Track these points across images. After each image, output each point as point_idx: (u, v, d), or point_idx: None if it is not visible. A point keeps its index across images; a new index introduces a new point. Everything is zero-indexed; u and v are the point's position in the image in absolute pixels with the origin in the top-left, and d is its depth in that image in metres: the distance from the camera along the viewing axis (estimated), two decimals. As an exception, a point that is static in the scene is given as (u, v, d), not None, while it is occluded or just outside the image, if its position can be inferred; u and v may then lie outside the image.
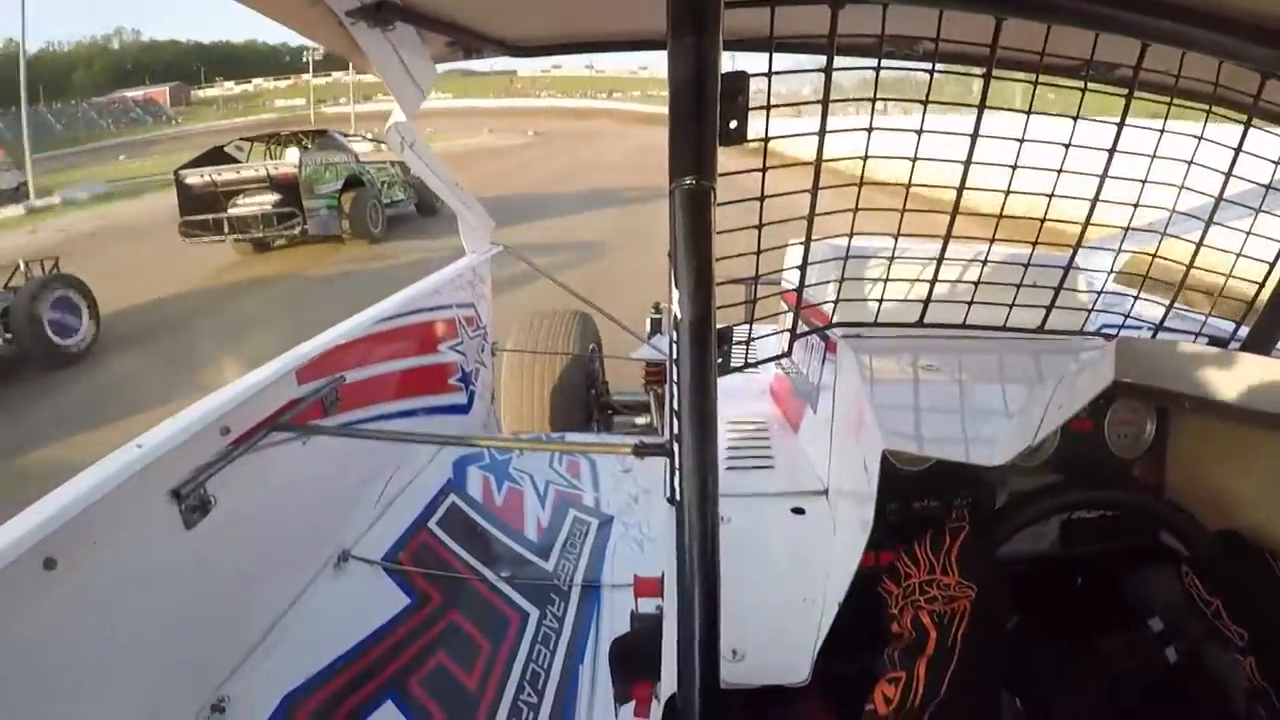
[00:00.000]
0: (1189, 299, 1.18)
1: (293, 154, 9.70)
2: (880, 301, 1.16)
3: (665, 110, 0.72)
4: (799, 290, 1.11)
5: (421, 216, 11.29)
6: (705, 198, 0.71)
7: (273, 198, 9.13)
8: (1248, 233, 1.11)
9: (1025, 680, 0.89)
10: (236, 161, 9.85)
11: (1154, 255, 1.15)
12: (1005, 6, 0.86)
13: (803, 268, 1.08)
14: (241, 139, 10.44)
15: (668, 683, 0.80)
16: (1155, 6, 0.87)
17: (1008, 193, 1.01)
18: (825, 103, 0.91)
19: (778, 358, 1.23)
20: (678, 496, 0.75)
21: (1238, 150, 1.03)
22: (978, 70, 0.94)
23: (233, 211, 9.16)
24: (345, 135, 10.75)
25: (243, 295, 7.88)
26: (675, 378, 0.78)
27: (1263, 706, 0.78)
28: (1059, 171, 1.00)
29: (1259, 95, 0.98)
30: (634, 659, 1.05)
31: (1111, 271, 1.20)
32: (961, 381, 1.12)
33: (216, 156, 9.73)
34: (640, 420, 3.12)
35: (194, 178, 9.26)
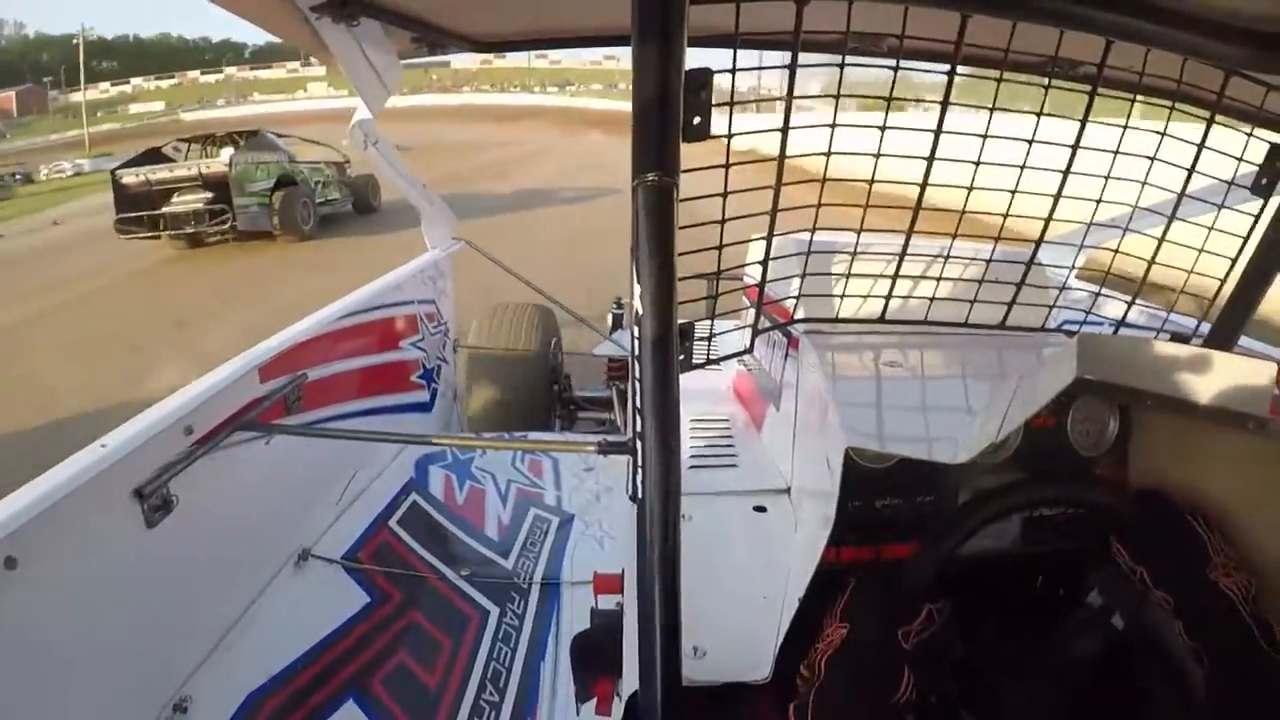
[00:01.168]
0: (1152, 295, 1.18)
1: (228, 153, 10.02)
2: (842, 298, 1.15)
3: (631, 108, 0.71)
4: (761, 286, 1.10)
5: (358, 214, 11.55)
6: (668, 194, 0.71)
7: (205, 195, 9.43)
8: (1210, 229, 1.11)
9: (978, 692, 0.89)
10: (173, 161, 10.15)
11: (1116, 251, 1.15)
12: (970, 3, 0.86)
13: (765, 263, 1.07)
14: (180, 139, 10.76)
15: (629, 680, 0.80)
16: (1120, 3, 0.86)
17: (970, 189, 1.01)
18: (789, 99, 0.90)
19: (740, 354, 1.22)
20: (640, 494, 0.74)
21: (1200, 147, 1.03)
22: (942, 67, 0.93)
23: (166, 209, 9.46)
24: (280, 135, 11.03)
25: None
26: (637, 374, 0.77)
27: (1200, 666, 0.79)
28: (1022, 168, 1.00)
29: (1222, 92, 0.98)
30: (595, 656, 1.05)
31: (1073, 268, 1.20)
32: (924, 378, 1.12)
33: (154, 157, 10.07)
34: (604, 416, 3.10)
35: (130, 177, 9.54)
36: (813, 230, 1.07)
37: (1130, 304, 1.19)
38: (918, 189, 1.00)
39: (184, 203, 9.46)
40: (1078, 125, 1.00)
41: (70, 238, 11.84)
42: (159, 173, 9.57)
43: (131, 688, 1.21)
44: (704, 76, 0.74)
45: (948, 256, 1.11)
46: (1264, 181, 1.11)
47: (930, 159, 0.98)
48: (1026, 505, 0.98)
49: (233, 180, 9.34)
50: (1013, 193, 1.02)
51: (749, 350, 1.19)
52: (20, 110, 49.01)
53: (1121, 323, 1.20)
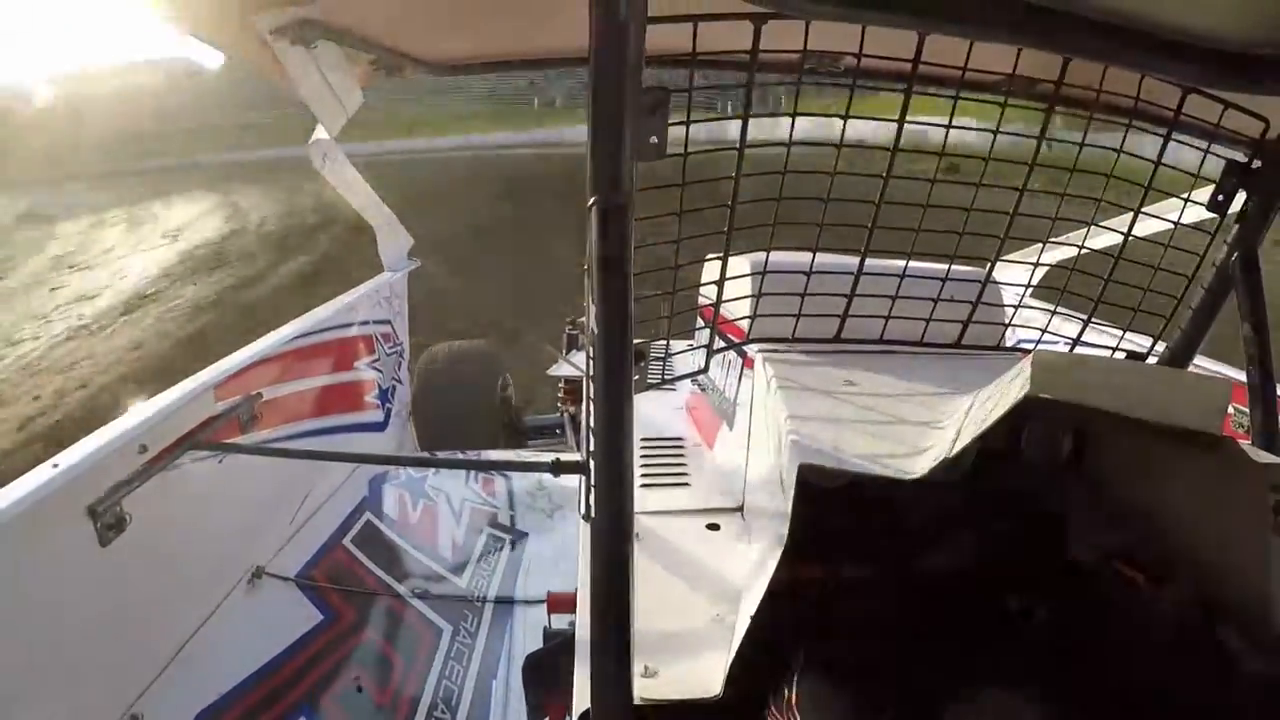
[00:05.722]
0: (1108, 313, 1.19)
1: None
2: (798, 317, 1.14)
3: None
4: (716, 306, 1.09)
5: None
6: (623, 213, 0.71)
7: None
8: (1166, 246, 1.12)
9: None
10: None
11: (1071, 270, 1.15)
12: (927, 22, 0.85)
13: (720, 283, 1.06)
14: None
15: (581, 699, 0.80)
16: (1077, 21, 0.86)
17: (926, 207, 1.00)
18: (745, 118, 0.89)
19: (694, 374, 1.21)
20: (592, 514, 0.74)
21: (1156, 164, 1.03)
22: (900, 86, 0.92)
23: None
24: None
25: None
26: (591, 394, 0.77)
27: None
28: (978, 185, 1.00)
29: (1179, 110, 0.98)
30: (548, 675, 1.04)
31: (1029, 286, 1.20)
32: (879, 397, 1.11)
33: None
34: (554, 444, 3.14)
35: None
36: (768, 249, 1.06)
37: (1086, 323, 1.19)
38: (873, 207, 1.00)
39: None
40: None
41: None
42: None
43: (82, 706, 1.18)
44: (660, 96, 0.75)
45: (904, 275, 1.10)
46: (1220, 198, 1.12)
47: (886, 177, 0.97)
48: None
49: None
50: (968, 210, 1.01)
51: (704, 370, 1.18)
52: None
53: (1077, 341, 1.20)
